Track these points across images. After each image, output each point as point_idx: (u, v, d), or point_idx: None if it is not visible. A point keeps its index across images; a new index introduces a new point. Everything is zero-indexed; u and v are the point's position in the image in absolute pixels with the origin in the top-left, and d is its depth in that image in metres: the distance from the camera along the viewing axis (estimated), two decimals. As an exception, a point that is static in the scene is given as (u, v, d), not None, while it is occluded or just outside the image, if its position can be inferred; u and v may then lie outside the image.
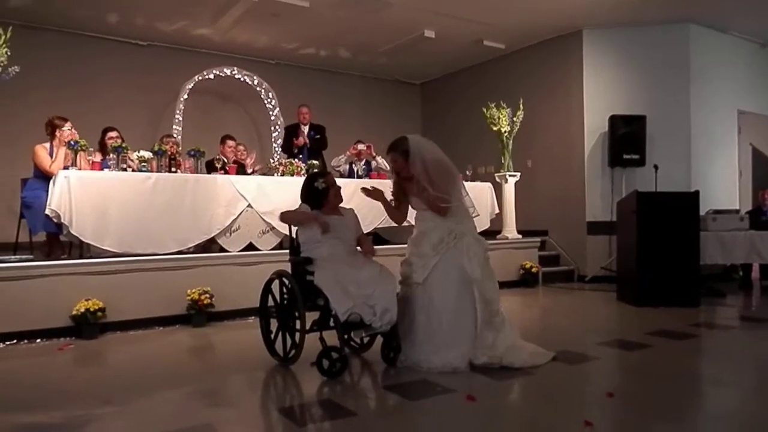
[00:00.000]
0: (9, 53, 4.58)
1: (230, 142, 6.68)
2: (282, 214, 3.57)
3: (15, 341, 4.26)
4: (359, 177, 6.93)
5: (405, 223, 3.85)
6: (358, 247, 3.62)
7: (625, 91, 7.73)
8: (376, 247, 3.81)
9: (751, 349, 4.09)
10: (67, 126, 5.14)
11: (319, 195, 3.51)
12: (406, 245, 3.72)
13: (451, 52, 8.83)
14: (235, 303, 5.08)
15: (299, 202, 3.60)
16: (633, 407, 2.75)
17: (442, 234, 3.48)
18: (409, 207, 3.72)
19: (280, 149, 7.94)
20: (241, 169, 6.27)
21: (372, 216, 5.91)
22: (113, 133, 5.59)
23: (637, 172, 7.48)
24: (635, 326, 4.66)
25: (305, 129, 7.45)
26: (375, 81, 10.18)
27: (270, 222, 5.46)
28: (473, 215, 3.69)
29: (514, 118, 7.46)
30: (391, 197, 3.74)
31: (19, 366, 3.74)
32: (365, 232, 3.89)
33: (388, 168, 7.15)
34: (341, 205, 3.65)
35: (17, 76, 4.75)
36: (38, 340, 4.32)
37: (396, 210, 3.74)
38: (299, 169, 6.03)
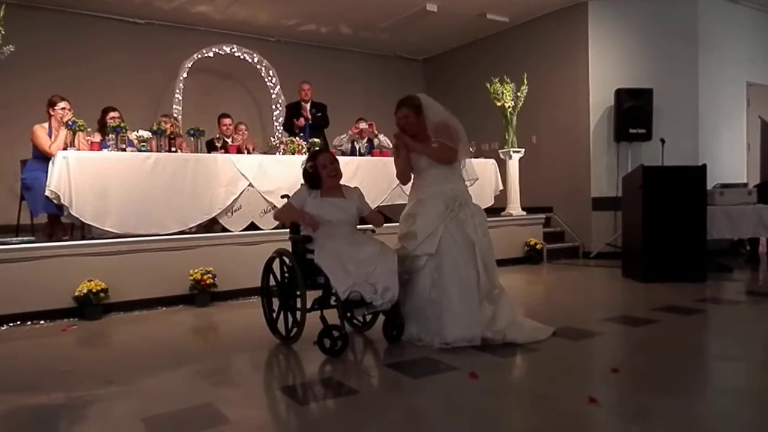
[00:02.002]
0: (3, 32, 4.50)
1: (225, 120, 6.62)
2: (274, 214, 3.65)
3: (18, 323, 4.27)
4: (361, 155, 6.86)
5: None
6: (362, 226, 3.58)
7: (632, 64, 7.58)
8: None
9: (758, 323, 4.05)
10: (60, 105, 5.07)
11: (311, 177, 3.46)
12: None
13: (454, 27, 8.68)
14: (238, 282, 5.08)
15: (300, 181, 3.56)
16: (638, 383, 2.73)
17: (446, 201, 3.41)
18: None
19: (281, 128, 7.86)
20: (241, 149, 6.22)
21: (375, 194, 5.89)
22: (115, 113, 5.53)
23: (644, 147, 7.38)
24: (641, 302, 4.62)
25: (307, 106, 7.36)
26: (377, 57, 10.04)
27: (271, 201, 5.41)
28: (470, 180, 3.64)
29: (518, 93, 7.34)
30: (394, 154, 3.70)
31: (22, 347, 3.75)
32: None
33: (390, 146, 7.10)
34: (345, 183, 3.59)
35: (15, 58, 4.69)
36: (41, 322, 4.33)
37: (407, 165, 3.60)
38: (300, 147, 5.97)
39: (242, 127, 6.79)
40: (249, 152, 6.26)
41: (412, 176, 3.63)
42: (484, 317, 3.32)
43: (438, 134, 3.47)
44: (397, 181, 6.10)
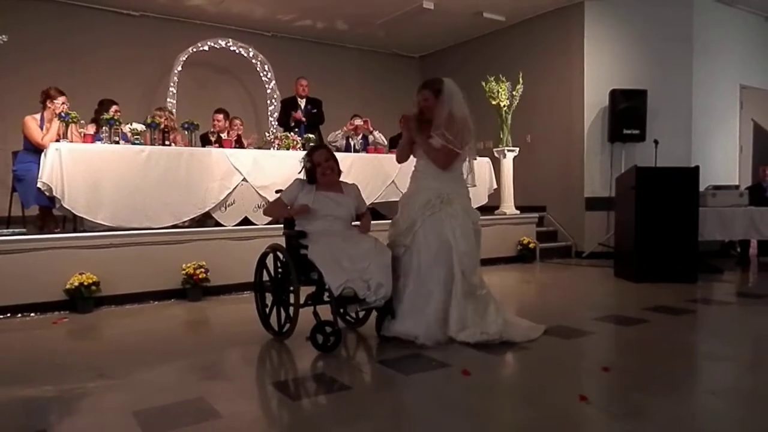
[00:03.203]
0: (-2, 23, 4.47)
1: (217, 116, 6.55)
2: (264, 210, 3.76)
3: (9, 315, 4.24)
4: (356, 151, 6.86)
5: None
6: (356, 222, 3.58)
7: (627, 64, 7.61)
8: (372, 222, 3.77)
9: (748, 324, 4.09)
10: (60, 100, 5.05)
11: (308, 172, 3.48)
12: None
13: (450, 25, 8.68)
14: (231, 277, 5.06)
15: (294, 176, 3.57)
16: (629, 382, 2.74)
17: (429, 196, 3.39)
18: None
19: (276, 123, 7.83)
20: (237, 143, 6.19)
21: (369, 191, 5.89)
22: (117, 107, 5.50)
23: (637, 148, 7.41)
24: (632, 302, 4.65)
25: (302, 103, 7.32)
26: (373, 54, 10.02)
27: (265, 196, 5.39)
28: (469, 184, 3.60)
29: (514, 92, 7.35)
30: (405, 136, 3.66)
31: (12, 339, 3.73)
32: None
33: (385, 143, 7.10)
34: (344, 179, 3.59)
35: (9, 49, 4.67)
36: (32, 314, 4.31)
37: (407, 148, 3.59)
38: (295, 143, 5.95)
39: (237, 122, 6.75)
40: (245, 145, 6.25)
41: (416, 161, 3.59)
42: (479, 322, 3.28)
43: (446, 128, 3.39)
44: (392, 178, 6.21)
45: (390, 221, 3.67)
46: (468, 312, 3.31)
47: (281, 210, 3.53)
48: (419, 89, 3.55)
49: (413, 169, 3.60)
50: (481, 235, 3.55)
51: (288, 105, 7.35)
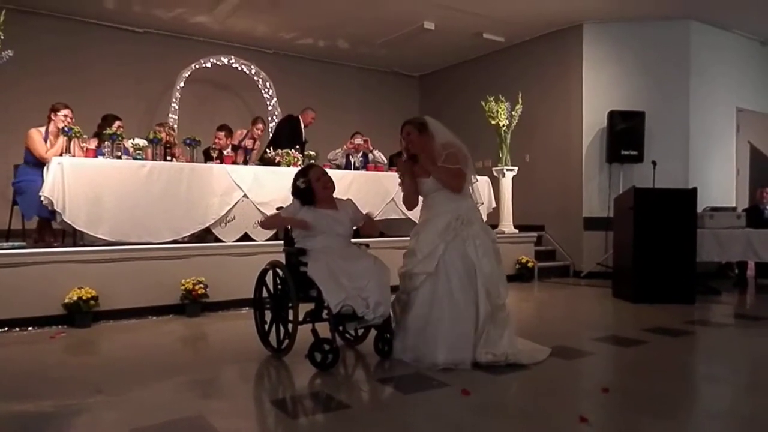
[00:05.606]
0: (2, 37, 4.52)
1: (219, 133, 6.57)
2: (261, 222, 3.70)
3: (6, 329, 4.22)
4: (356, 169, 6.90)
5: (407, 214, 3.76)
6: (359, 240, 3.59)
7: (625, 86, 7.70)
8: (371, 239, 3.78)
9: (746, 346, 4.09)
10: (63, 112, 5.07)
11: (305, 192, 3.47)
12: (402, 238, 3.65)
13: (451, 45, 8.78)
14: (230, 293, 5.05)
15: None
16: (628, 403, 2.74)
17: (449, 219, 3.33)
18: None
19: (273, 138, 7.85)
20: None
21: (369, 208, 5.79)
22: (120, 122, 5.53)
23: (635, 169, 7.47)
24: (631, 322, 4.65)
25: (304, 132, 7.39)
26: (373, 73, 10.12)
27: (265, 213, 5.40)
28: (478, 203, 3.59)
29: (513, 112, 7.43)
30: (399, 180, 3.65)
31: (10, 354, 3.71)
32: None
33: (385, 161, 7.14)
34: (337, 196, 3.61)
35: (12, 64, 4.70)
36: (30, 328, 4.29)
37: (412, 191, 3.56)
38: (296, 159, 5.99)
39: (260, 125, 6.80)
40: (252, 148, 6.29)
41: (421, 199, 3.57)
42: (489, 341, 3.25)
43: (447, 158, 3.40)
44: (392, 196, 6.24)
45: (392, 238, 3.67)
46: (484, 334, 3.26)
47: (281, 220, 3.53)
48: (401, 128, 3.55)
49: (423, 202, 3.55)
50: (500, 254, 3.48)
51: (293, 125, 7.36)
